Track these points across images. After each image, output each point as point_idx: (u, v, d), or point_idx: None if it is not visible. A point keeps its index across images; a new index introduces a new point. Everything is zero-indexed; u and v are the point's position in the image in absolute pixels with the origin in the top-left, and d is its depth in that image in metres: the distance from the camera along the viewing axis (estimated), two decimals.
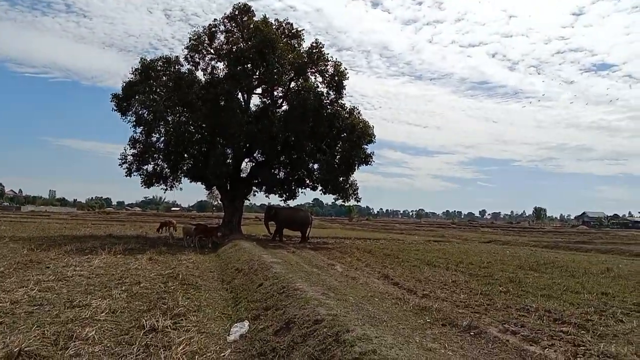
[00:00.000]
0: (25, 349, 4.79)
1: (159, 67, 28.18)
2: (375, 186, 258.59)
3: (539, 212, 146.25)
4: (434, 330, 6.40)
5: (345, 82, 28.15)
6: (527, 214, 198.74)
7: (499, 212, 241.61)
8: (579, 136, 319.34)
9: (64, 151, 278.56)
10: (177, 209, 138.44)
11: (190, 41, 28.38)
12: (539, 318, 7.73)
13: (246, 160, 29.86)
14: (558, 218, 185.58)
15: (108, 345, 5.41)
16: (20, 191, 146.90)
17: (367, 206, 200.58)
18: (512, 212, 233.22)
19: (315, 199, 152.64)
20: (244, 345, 5.66)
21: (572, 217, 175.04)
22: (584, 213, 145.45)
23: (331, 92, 28.33)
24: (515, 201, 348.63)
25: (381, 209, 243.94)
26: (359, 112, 28.44)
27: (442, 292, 10.18)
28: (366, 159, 27.82)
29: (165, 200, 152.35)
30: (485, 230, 69.14)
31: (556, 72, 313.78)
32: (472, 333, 6.42)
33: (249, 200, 34.57)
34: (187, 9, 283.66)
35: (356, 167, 28.03)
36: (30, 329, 5.69)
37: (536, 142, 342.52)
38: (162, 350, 5.29)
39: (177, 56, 28.64)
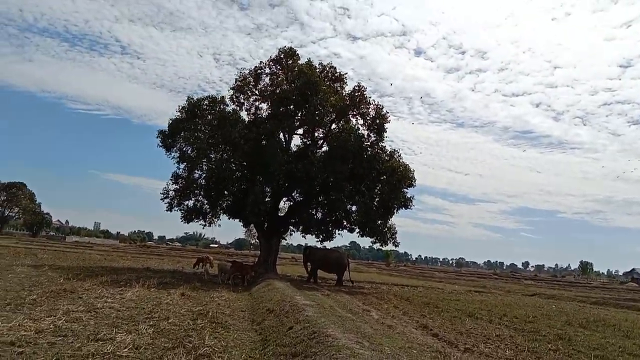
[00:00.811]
0: None
1: (205, 106, 28.92)
2: (414, 232, 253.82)
3: (585, 267, 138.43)
4: None
5: (386, 125, 28.04)
6: (572, 268, 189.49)
7: (543, 265, 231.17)
8: (627, 189, 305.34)
9: (110, 185, 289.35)
10: (216, 245, 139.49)
11: (236, 82, 29.22)
12: None
13: (284, 199, 29.83)
14: (605, 273, 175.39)
15: None
16: (67, 222, 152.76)
17: (405, 252, 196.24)
18: (556, 265, 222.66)
19: (353, 242, 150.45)
20: None
21: (620, 273, 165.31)
22: (633, 269, 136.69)
23: (372, 135, 28.23)
24: (560, 254, 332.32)
25: (420, 255, 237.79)
26: (399, 155, 28.14)
27: (485, 346, 9.42)
28: (406, 203, 27.24)
29: (205, 237, 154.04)
30: (528, 282, 65.88)
31: (603, 124, 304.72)
32: None
33: (286, 239, 34.33)
34: (235, 53, 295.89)
35: (395, 211, 27.46)
36: None
37: (582, 194, 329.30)
38: None
39: (223, 96, 29.45)
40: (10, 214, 57.15)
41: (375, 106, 28.16)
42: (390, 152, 27.96)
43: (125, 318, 8.99)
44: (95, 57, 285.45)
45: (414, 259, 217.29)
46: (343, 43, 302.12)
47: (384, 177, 27.04)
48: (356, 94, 28.29)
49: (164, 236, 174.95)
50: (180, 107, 28.63)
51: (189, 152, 27.95)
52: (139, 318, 9.11)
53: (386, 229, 27.88)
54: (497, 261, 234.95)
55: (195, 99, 28.93)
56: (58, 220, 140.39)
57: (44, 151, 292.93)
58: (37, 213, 65.52)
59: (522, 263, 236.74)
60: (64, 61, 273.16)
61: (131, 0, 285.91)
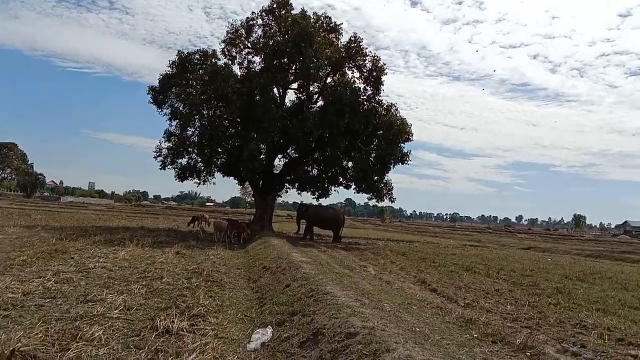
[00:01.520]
0: (20, 349, 4.28)
1: (196, 61, 28.01)
2: (409, 187, 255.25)
3: (578, 220, 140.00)
4: (484, 349, 5.56)
5: (383, 78, 27.29)
6: (565, 221, 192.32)
7: (536, 219, 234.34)
8: (623, 142, 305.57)
9: (104, 144, 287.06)
10: (211, 204, 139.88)
11: (227, 35, 28.14)
12: (600, 337, 6.78)
13: (279, 156, 29.39)
14: (598, 226, 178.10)
15: (114, 347, 4.85)
16: (61, 182, 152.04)
17: (400, 208, 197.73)
18: (549, 218, 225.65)
19: (348, 199, 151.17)
20: (265, 356, 5.01)
21: (612, 226, 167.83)
22: (625, 222, 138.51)
23: (368, 88, 27.51)
24: (554, 207, 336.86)
25: (414, 211, 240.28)
26: (396, 109, 27.47)
27: (485, 301, 9.28)
28: (402, 158, 26.88)
29: (200, 195, 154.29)
30: (522, 236, 66.75)
31: (600, 76, 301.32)
32: (528, 353, 5.55)
33: (281, 197, 34.22)
34: (226, 7, 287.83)
35: (392, 166, 27.16)
36: (34, 325, 5.20)
37: (577, 147, 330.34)
38: (172, 357, 4.70)
39: (214, 50, 28.46)
40: (3, 175, 56.45)
41: (372, 58, 27.29)
42: (387, 106, 27.29)
43: (118, 278, 8.74)
44: (83, 12, 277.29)
45: (409, 214, 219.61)
46: None
47: (381, 131, 26.54)
48: (352, 45, 27.31)
49: (160, 195, 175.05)
50: (171, 62, 27.74)
51: (180, 108, 27.23)
52: (131, 278, 8.86)
53: (382, 185, 27.66)
54: (491, 215, 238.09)
55: (185, 53, 28.00)
56: (52, 181, 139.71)
57: (35, 111, 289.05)
58: (30, 174, 64.87)
59: (516, 217, 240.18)
60: (51, 17, 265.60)
61: None
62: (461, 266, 16.22)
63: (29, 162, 59.72)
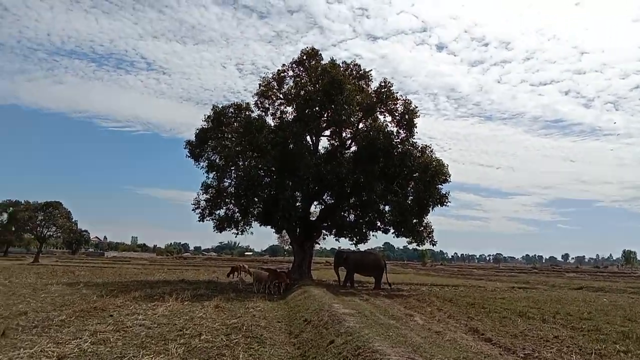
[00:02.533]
0: None
1: (230, 114, 28.71)
2: (447, 230, 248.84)
3: (628, 256, 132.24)
4: None
5: (416, 120, 27.09)
6: (614, 258, 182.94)
7: (584, 256, 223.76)
8: None
9: (145, 200, 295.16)
10: (250, 253, 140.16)
11: (260, 87, 28.81)
12: None
13: (315, 203, 29.26)
14: None
15: None
16: (105, 238, 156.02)
17: (440, 250, 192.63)
18: (597, 255, 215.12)
19: (386, 243, 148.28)
20: None
21: None
22: None
23: (401, 131, 27.35)
24: (600, 244, 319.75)
25: (455, 253, 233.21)
26: (431, 151, 27.07)
27: (547, 351, 8.50)
28: (441, 200, 26.18)
29: (239, 245, 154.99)
30: (570, 275, 63.32)
31: (636, 108, 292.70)
32: None
33: (319, 244, 33.73)
34: (257, 62, 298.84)
35: (430, 209, 26.46)
36: None
37: (619, 181, 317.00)
38: None
39: (248, 103, 29.18)
40: (49, 232, 58.31)
41: (404, 101, 27.29)
42: (421, 147, 26.95)
43: (155, 337, 8.48)
44: (122, 75, 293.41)
45: (450, 257, 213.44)
46: (363, 44, 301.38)
47: (417, 174, 26.11)
48: (382, 90, 27.47)
49: (200, 247, 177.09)
50: (206, 116, 28.49)
51: (217, 160, 27.79)
52: (169, 336, 8.58)
53: (422, 228, 26.95)
54: (535, 255, 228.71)
55: (220, 107, 28.75)
56: (96, 237, 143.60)
57: (79, 170, 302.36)
58: (74, 231, 66.89)
59: (562, 255, 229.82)
60: (93, 81, 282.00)
61: (153, 17, 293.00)
62: (513, 311, 15.23)
63: (73, 220, 61.57)
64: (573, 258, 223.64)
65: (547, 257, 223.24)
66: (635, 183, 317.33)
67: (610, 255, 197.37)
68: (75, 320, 9.86)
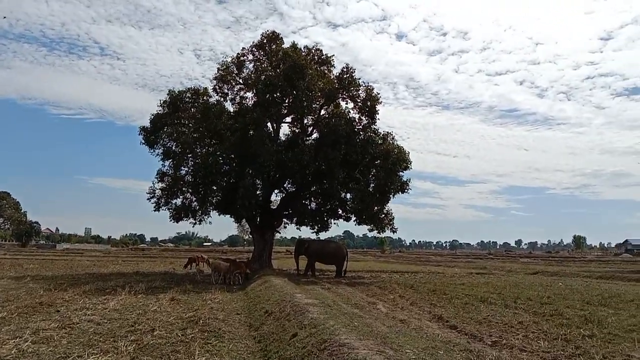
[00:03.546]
0: None
1: (187, 99, 27.68)
2: (406, 217, 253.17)
3: (578, 241, 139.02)
4: None
5: (378, 107, 26.89)
6: (565, 243, 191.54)
7: (536, 242, 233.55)
8: (615, 162, 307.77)
9: (98, 189, 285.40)
10: (209, 243, 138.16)
11: (218, 71, 27.82)
12: None
13: (276, 191, 28.75)
14: (598, 246, 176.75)
15: None
16: (57, 229, 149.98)
17: (399, 238, 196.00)
18: (549, 241, 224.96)
19: (346, 231, 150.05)
20: None
21: (612, 245, 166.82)
22: (626, 240, 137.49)
23: (363, 118, 27.07)
24: (552, 230, 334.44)
25: (413, 240, 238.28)
26: (393, 138, 27.00)
27: (513, 337, 8.42)
28: (402, 187, 26.18)
29: (197, 236, 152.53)
30: (524, 260, 65.65)
31: (587, 98, 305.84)
32: None
33: (280, 233, 33.27)
34: (216, 48, 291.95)
35: (392, 196, 26.43)
36: None
37: (570, 169, 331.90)
38: None
39: (206, 87, 28.17)
40: None
41: (366, 87, 26.99)
42: (383, 134, 26.82)
43: (104, 333, 7.85)
44: (74, 60, 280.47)
45: (408, 244, 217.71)
46: (324, 31, 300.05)
47: (379, 161, 25.99)
48: (345, 76, 27.06)
49: (157, 237, 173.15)
50: (162, 101, 27.37)
51: (173, 147, 26.74)
52: (119, 332, 7.97)
53: (383, 215, 26.91)
54: (490, 241, 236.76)
55: (177, 91, 27.64)
56: (47, 229, 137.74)
57: (28, 159, 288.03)
58: (24, 222, 63.72)
59: (515, 241, 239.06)
60: (44, 66, 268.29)
61: (107, 0, 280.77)
62: (474, 297, 15.30)
63: (22, 211, 58.60)
64: (526, 244, 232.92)
65: (502, 243, 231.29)
66: (585, 171, 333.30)
67: (562, 240, 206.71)
68: (17, 317, 9.07)
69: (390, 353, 5.19)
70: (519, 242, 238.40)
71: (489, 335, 8.53)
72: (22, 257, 45.59)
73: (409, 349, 5.86)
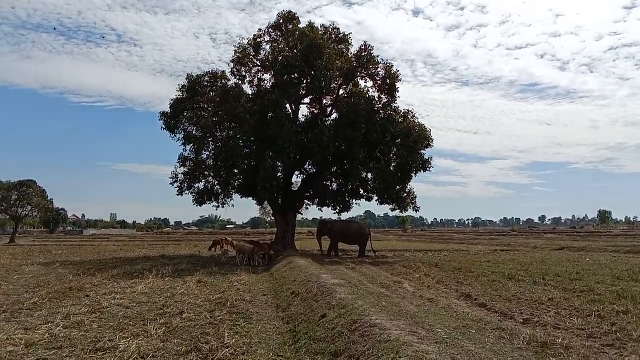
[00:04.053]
0: None
1: (206, 83, 27.61)
2: (427, 196, 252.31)
3: (604, 215, 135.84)
4: None
5: (397, 85, 26.42)
6: (589, 218, 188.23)
7: (560, 217, 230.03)
8: (639, 134, 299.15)
9: (123, 175, 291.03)
10: (232, 226, 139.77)
11: (235, 54, 27.61)
12: None
13: (297, 173, 28.64)
14: (624, 221, 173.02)
15: None
16: (83, 216, 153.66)
17: (420, 216, 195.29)
18: (573, 216, 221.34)
19: (367, 211, 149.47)
20: None
21: (639, 219, 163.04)
22: None
23: (383, 96, 26.67)
24: (576, 205, 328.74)
25: (435, 218, 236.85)
26: (413, 116, 26.49)
27: (545, 315, 8.23)
28: (424, 165, 25.82)
29: (221, 219, 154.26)
30: (549, 236, 64.64)
31: (610, 70, 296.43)
32: None
33: (302, 214, 33.33)
34: (231, 31, 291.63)
35: (414, 174, 26.13)
36: None
37: (593, 143, 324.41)
38: None
39: (224, 71, 28.00)
40: (24, 212, 56.57)
41: (385, 65, 26.46)
42: (404, 112, 26.37)
43: (134, 317, 7.93)
44: (92, 48, 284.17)
45: (430, 223, 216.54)
46: (339, 10, 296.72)
47: (399, 139, 25.59)
48: (363, 54, 26.59)
49: (181, 222, 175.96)
50: (181, 86, 27.36)
51: (193, 132, 26.86)
52: (149, 315, 8.05)
53: (405, 194, 26.65)
54: (513, 218, 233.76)
55: (195, 76, 27.58)
56: (74, 215, 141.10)
57: (52, 148, 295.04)
58: (51, 209, 64.99)
59: (539, 217, 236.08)
60: (62, 55, 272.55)
61: None
62: (501, 274, 15.06)
63: (49, 198, 59.74)
64: (550, 220, 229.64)
65: (525, 220, 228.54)
66: (609, 144, 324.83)
67: (586, 215, 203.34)
68: (48, 303, 9.24)
69: (423, 333, 5.08)
70: (542, 218, 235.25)
71: (520, 313, 8.35)
72: (51, 243, 46.87)
73: (440, 329, 5.75)
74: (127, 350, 5.69)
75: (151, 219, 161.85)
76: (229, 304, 9.13)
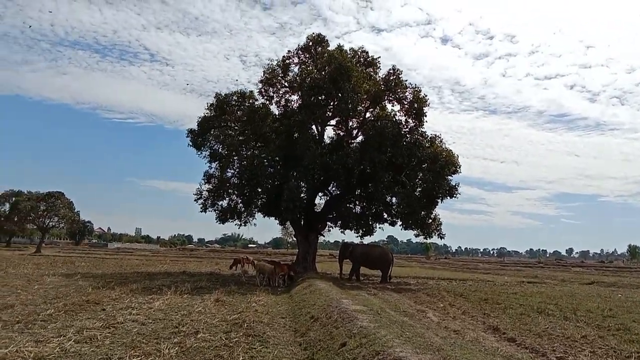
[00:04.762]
0: None
1: (234, 102, 27.85)
2: (451, 223, 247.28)
3: (634, 251, 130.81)
4: None
5: (425, 109, 26.13)
6: (618, 252, 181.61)
7: (588, 251, 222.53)
8: None
9: (149, 191, 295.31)
10: (254, 245, 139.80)
11: (264, 74, 27.85)
12: None
13: (320, 194, 28.42)
14: None
15: None
16: (109, 229, 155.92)
17: (444, 244, 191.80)
18: (601, 250, 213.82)
19: (390, 236, 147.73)
20: None
21: None
22: None
23: (410, 120, 26.40)
24: (605, 239, 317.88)
25: (459, 247, 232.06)
26: (441, 141, 26.10)
27: (579, 354, 7.70)
28: (451, 191, 25.24)
29: (243, 237, 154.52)
30: (577, 269, 62.42)
31: None
32: None
33: (324, 236, 32.94)
34: (261, 54, 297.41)
35: (440, 201, 25.57)
36: None
37: (623, 176, 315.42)
38: None
39: (252, 91, 28.24)
40: (51, 223, 57.83)
41: (413, 89, 26.26)
42: (430, 137, 26.00)
43: (148, 334, 7.73)
44: (125, 66, 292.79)
45: (454, 250, 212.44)
46: (367, 36, 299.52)
47: (426, 164, 25.17)
48: (391, 77, 26.47)
49: (204, 238, 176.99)
50: (209, 104, 27.67)
51: (219, 150, 27.04)
52: (163, 334, 7.83)
53: (430, 220, 26.07)
54: (539, 249, 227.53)
55: (223, 95, 27.87)
56: (100, 228, 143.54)
57: (82, 162, 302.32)
58: (77, 221, 66.43)
59: (566, 250, 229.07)
60: (96, 72, 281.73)
61: (157, 8, 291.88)
62: (530, 307, 14.40)
63: (75, 210, 61.10)
64: (577, 252, 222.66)
65: (552, 252, 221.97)
66: (639, 178, 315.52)
67: (615, 250, 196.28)
68: (63, 315, 9.13)
69: None
70: (569, 251, 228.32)
71: (552, 350, 7.84)
72: (75, 255, 47.51)
73: None
74: None
75: (175, 235, 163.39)
76: (245, 325, 8.85)
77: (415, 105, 26.08)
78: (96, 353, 6.30)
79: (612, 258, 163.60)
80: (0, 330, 7.60)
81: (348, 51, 27.02)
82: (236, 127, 27.49)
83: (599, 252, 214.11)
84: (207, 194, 27.22)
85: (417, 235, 27.25)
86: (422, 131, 26.20)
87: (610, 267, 76.22)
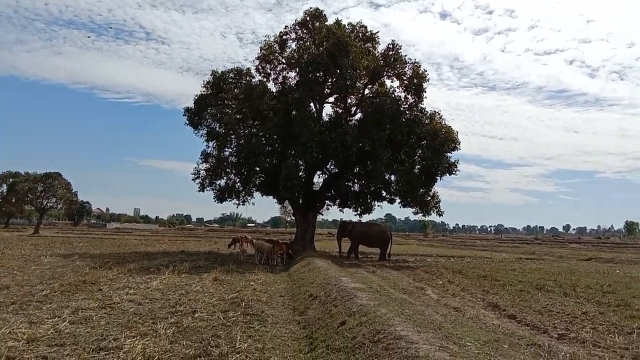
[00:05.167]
0: None
1: (230, 80, 27.41)
2: (449, 201, 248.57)
3: (630, 226, 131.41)
4: None
5: (425, 85, 25.75)
6: (615, 229, 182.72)
7: (585, 227, 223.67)
8: None
9: (147, 171, 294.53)
10: (252, 225, 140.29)
11: (261, 51, 27.35)
12: None
13: (319, 172, 28.22)
14: None
15: None
16: (107, 209, 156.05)
17: (442, 221, 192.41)
18: (598, 226, 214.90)
19: (388, 214, 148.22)
20: None
21: None
22: None
23: (409, 97, 26.04)
24: (602, 215, 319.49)
25: (457, 224, 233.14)
26: (440, 117, 25.78)
27: (581, 330, 7.61)
28: (450, 169, 25.07)
29: (242, 217, 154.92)
30: (574, 246, 62.79)
31: None
32: None
33: (322, 214, 32.84)
34: (257, 31, 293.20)
35: (439, 178, 25.42)
36: None
37: (622, 152, 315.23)
38: None
39: (248, 68, 27.79)
40: (49, 204, 57.64)
41: (412, 65, 25.82)
42: (430, 114, 25.67)
43: (144, 314, 7.61)
44: (121, 45, 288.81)
45: (452, 228, 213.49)
46: (365, 11, 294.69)
47: (425, 141, 24.93)
48: (390, 53, 26.00)
49: (202, 218, 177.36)
50: (205, 82, 27.25)
51: (216, 128, 26.70)
52: (160, 313, 7.71)
53: (429, 198, 25.93)
54: (537, 226, 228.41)
55: (220, 72, 27.39)
56: (98, 209, 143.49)
57: (80, 142, 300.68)
58: (75, 202, 66.20)
59: (563, 226, 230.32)
60: (92, 51, 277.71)
61: None
62: (529, 283, 14.36)
63: (73, 191, 60.82)
64: (574, 229, 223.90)
65: (549, 228, 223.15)
66: (638, 154, 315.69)
67: (612, 226, 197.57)
68: (59, 296, 9.02)
69: (455, 349, 4.57)
70: (567, 227, 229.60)
71: (554, 327, 7.75)
72: (73, 235, 47.53)
73: (470, 343, 5.23)
74: (131, 351, 5.32)
75: (174, 215, 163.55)
76: (243, 304, 8.75)
77: (415, 81, 25.70)
78: (91, 334, 6.17)
79: (608, 234, 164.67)
80: None
81: (346, 26, 26.49)
82: (233, 105, 27.09)
83: (595, 228, 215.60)
84: (204, 173, 26.99)
85: (415, 213, 27.19)
86: (421, 107, 25.89)
87: (607, 243, 76.69)
